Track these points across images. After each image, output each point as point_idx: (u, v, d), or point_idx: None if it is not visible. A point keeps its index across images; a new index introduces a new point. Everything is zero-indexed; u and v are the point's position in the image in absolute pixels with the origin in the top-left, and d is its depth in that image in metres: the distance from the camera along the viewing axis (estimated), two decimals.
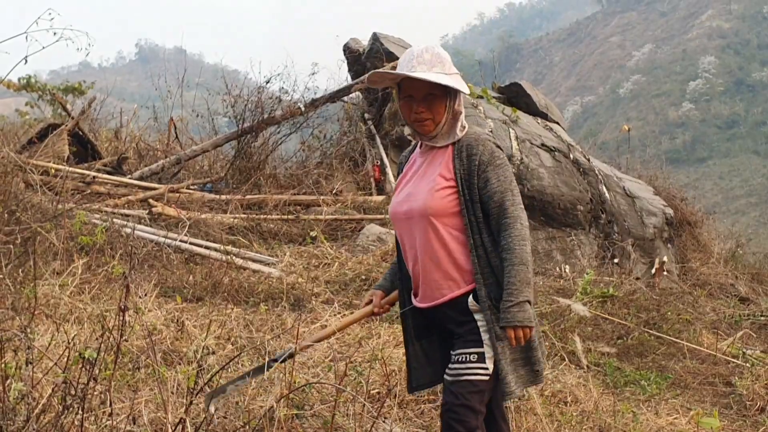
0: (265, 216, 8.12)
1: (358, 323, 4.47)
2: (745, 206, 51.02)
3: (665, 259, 9.14)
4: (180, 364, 3.96)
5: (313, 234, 7.60)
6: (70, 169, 8.26)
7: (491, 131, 9.09)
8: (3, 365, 2.63)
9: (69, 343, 2.78)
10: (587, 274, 7.31)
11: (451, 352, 2.74)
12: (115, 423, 2.89)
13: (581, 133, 41.69)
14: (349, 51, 11.51)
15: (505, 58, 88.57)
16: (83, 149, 9.85)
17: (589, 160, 9.98)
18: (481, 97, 10.24)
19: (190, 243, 6.78)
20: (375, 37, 10.93)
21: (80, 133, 9.87)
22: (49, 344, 3.54)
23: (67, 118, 10.41)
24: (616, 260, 9.07)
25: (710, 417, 3.67)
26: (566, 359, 5.19)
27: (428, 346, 2.93)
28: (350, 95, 10.89)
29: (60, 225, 5.91)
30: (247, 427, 3.13)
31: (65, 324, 4.20)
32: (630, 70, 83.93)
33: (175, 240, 6.70)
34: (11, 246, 4.99)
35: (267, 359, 3.19)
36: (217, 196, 8.62)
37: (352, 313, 3.99)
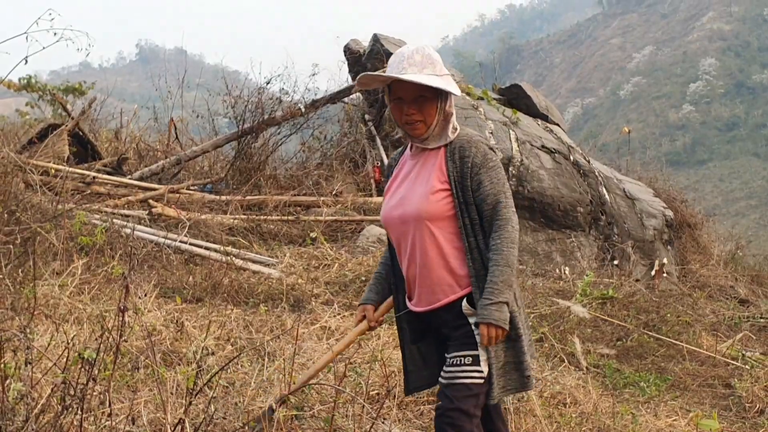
0: (265, 217, 8.12)
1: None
2: (745, 208, 51.08)
3: (665, 260, 9.14)
4: (179, 364, 3.95)
5: (313, 235, 7.59)
6: (70, 169, 8.25)
7: (491, 133, 9.10)
8: (2, 365, 2.63)
9: (68, 343, 2.77)
10: (587, 275, 7.32)
11: (446, 355, 2.73)
12: (114, 423, 2.89)
13: (581, 134, 41.65)
14: (349, 52, 11.50)
15: (506, 59, 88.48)
16: (83, 149, 9.85)
17: (589, 161, 9.99)
18: (482, 99, 10.24)
19: (190, 244, 6.78)
20: (375, 38, 10.91)
21: (80, 133, 9.87)
22: (49, 344, 3.54)
23: (68, 119, 10.40)
24: (615, 262, 9.07)
25: (709, 419, 3.67)
26: (566, 361, 5.19)
27: (425, 348, 2.91)
28: (351, 96, 10.90)
29: (60, 225, 5.90)
30: (247, 427, 3.13)
31: (65, 324, 4.20)
32: (630, 72, 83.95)
33: (175, 241, 6.70)
34: (11, 246, 4.99)
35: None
36: (217, 197, 8.62)
37: (352, 314, 3.99)
